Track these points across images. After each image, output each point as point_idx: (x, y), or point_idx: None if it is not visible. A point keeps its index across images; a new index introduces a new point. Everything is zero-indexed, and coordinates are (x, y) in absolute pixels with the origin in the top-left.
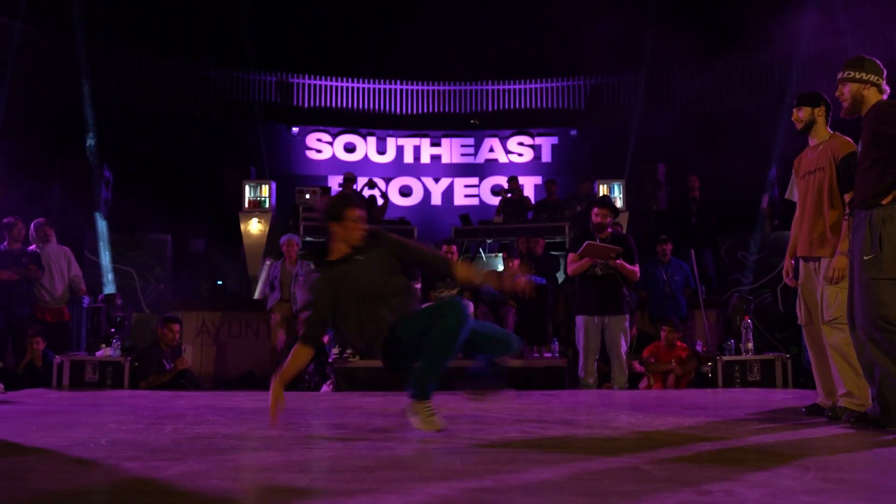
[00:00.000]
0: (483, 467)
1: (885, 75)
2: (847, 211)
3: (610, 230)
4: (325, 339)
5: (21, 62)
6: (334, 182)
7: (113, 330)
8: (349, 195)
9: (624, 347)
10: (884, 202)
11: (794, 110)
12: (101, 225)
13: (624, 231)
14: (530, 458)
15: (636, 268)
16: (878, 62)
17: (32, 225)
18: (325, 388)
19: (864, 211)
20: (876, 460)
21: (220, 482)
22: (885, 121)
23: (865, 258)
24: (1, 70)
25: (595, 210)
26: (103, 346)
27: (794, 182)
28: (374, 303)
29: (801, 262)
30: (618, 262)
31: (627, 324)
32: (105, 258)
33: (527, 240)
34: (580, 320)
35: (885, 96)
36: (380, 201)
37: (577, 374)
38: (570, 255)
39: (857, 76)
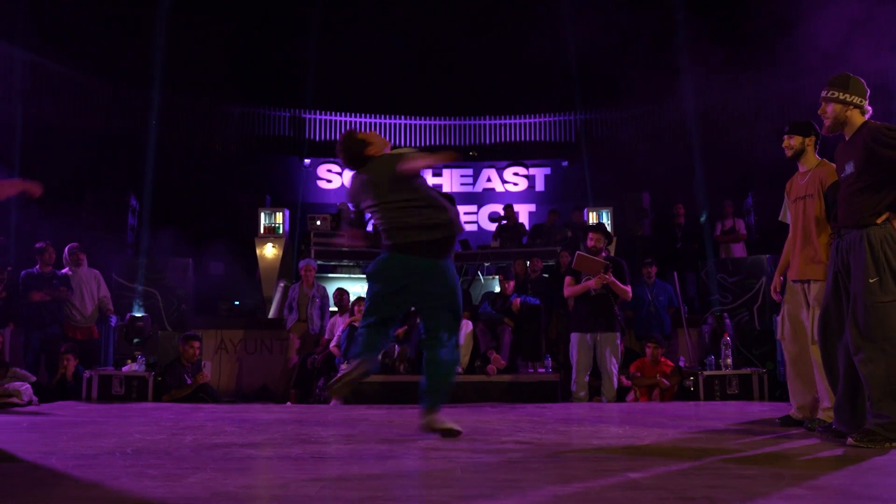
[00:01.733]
0: (481, 476)
1: (868, 95)
2: (831, 232)
3: (605, 254)
4: (336, 352)
5: (54, 100)
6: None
7: (137, 341)
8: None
9: (614, 363)
10: (878, 221)
11: (786, 137)
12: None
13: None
14: (525, 466)
15: (628, 288)
16: (863, 82)
17: (66, 249)
18: (334, 401)
19: (858, 230)
20: (846, 468)
21: (236, 490)
22: (886, 143)
23: (871, 281)
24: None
25: (590, 235)
26: (129, 361)
27: (787, 205)
28: None
29: (790, 282)
30: (609, 279)
31: (619, 341)
32: (132, 280)
33: (524, 262)
34: (574, 337)
35: (867, 116)
36: None
37: (569, 387)
38: (567, 279)
39: (841, 97)
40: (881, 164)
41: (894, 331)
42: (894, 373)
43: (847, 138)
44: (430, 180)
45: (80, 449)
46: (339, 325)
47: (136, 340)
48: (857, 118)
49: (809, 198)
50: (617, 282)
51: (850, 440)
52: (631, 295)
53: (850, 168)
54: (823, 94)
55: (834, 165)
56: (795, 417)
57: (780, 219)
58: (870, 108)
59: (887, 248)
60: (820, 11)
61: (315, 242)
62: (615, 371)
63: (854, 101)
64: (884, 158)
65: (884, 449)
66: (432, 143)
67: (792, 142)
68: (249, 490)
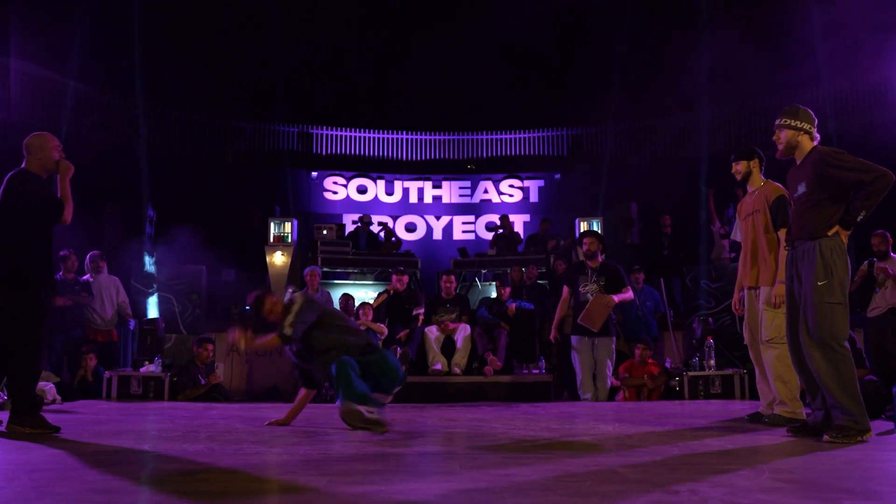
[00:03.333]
0: (477, 470)
1: (816, 124)
2: (784, 244)
3: (601, 259)
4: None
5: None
6: (348, 219)
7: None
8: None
9: (609, 365)
10: (829, 233)
11: (734, 164)
12: (148, 259)
13: None
14: (520, 461)
15: (629, 291)
16: (811, 112)
17: (88, 257)
18: (339, 401)
19: (811, 241)
20: (821, 462)
21: (248, 483)
22: (834, 164)
23: (819, 283)
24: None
25: (585, 240)
26: (146, 363)
27: (738, 224)
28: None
29: (745, 291)
30: (616, 299)
31: (614, 345)
32: (150, 286)
33: (520, 269)
34: (575, 340)
35: (815, 142)
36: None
37: (563, 387)
38: (564, 288)
39: (793, 124)
40: (830, 182)
41: (840, 331)
42: (845, 371)
43: (798, 162)
44: (431, 192)
45: (102, 444)
46: None
47: (154, 340)
48: (807, 143)
49: (757, 213)
50: (622, 297)
51: (826, 437)
52: (632, 294)
53: (802, 188)
54: (777, 122)
55: (776, 184)
56: (764, 413)
57: (731, 237)
58: (818, 134)
59: (836, 257)
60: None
61: (321, 250)
62: (609, 373)
63: (804, 126)
64: (832, 178)
65: (857, 441)
66: (433, 156)
67: (739, 167)
68: (260, 484)
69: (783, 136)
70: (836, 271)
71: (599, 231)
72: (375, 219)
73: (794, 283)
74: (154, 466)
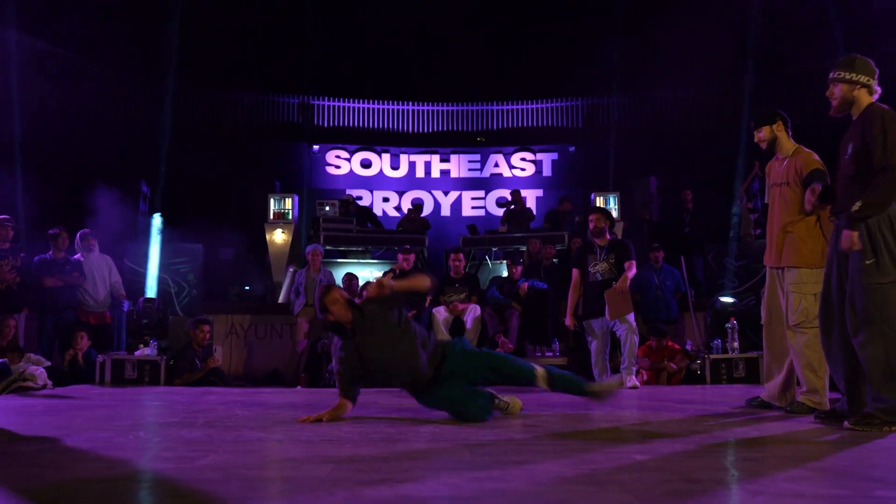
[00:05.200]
0: (489, 458)
1: (877, 75)
2: (829, 215)
3: (609, 236)
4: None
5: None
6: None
7: (146, 321)
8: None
9: (635, 342)
10: None
11: (755, 133)
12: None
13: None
14: (533, 449)
15: (633, 266)
16: (871, 62)
17: (78, 235)
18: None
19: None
20: (848, 450)
21: (248, 471)
22: (882, 127)
23: (867, 262)
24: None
25: (591, 217)
26: (141, 346)
27: (768, 187)
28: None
29: (768, 269)
30: (628, 282)
31: (634, 322)
32: (148, 265)
33: (539, 242)
34: (587, 324)
35: (875, 97)
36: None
37: (579, 371)
38: (574, 271)
39: (847, 77)
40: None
41: (892, 312)
42: (893, 355)
43: (854, 119)
44: (439, 166)
45: (95, 432)
46: None
47: (145, 321)
48: (865, 98)
49: (786, 186)
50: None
51: (846, 424)
52: (635, 270)
53: (849, 150)
54: (830, 75)
55: (810, 153)
56: (764, 399)
57: (765, 200)
58: (878, 88)
59: (885, 229)
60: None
61: (324, 228)
62: (635, 349)
63: (861, 79)
64: (869, 137)
65: (882, 433)
66: (440, 128)
67: (761, 134)
68: (261, 471)
69: (837, 91)
70: (884, 247)
71: (616, 207)
72: (381, 195)
73: (835, 259)
74: (152, 454)
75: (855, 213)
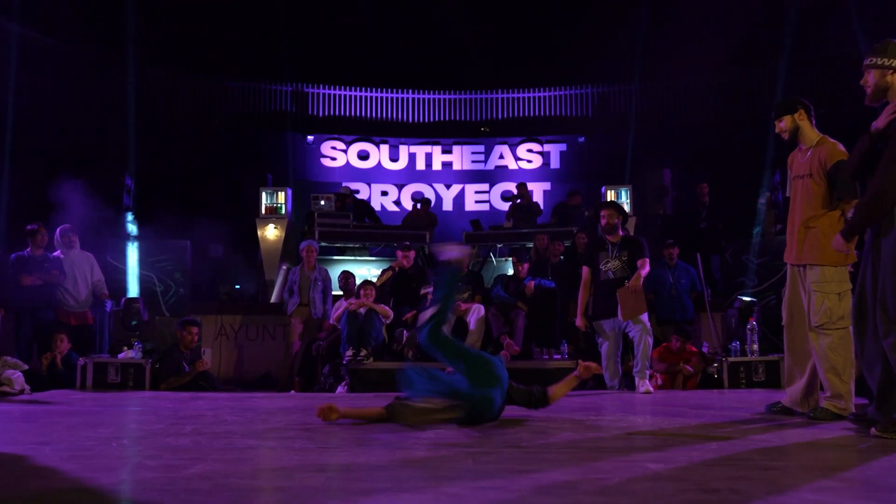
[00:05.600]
0: (494, 467)
1: None
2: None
3: (621, 232)
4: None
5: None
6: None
7: (135, 323)
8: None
9: (649, 343)
10: None
11: (776, 123)
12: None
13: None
14: (541, 457)
15: (646, 263)
16: None
17: (58, 230)
18: (339, 389)
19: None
20: (875, 459)
21: (239, 481)
22: None
23: None
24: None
25: (602, 212)
26: (125, 348)
27: (789, 179)
28: None
29: (788, 266)
30: (641, 281)
31: (648, 323)
32: (128, 263)
33: (546, 239)
34: (597, 324)
35: None
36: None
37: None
38: (584, 269)
39: (880, 62)
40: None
41: None
42: None
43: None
44: (440, 158)
45: (75, 440)
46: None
47: (133, 322)
48: None
49: (808, 178)
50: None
51: (873, 430)
52: (648, 267)
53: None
54: (864, 62)
55: (836, 144)
56: (785, 405)
57: (786, 193)
58: None
59: None
60: None
61: (319, 223)
62: (649, 352)
63: (893, 64)
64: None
65: None
66: (442, 118)
67: (782, 125)
68: (252, 481)
69: (870, 79)
70: None
71: (628, 201)
72: (379, 188)
73: (870, 255)
74: (135, 463)
75: (845, 233)
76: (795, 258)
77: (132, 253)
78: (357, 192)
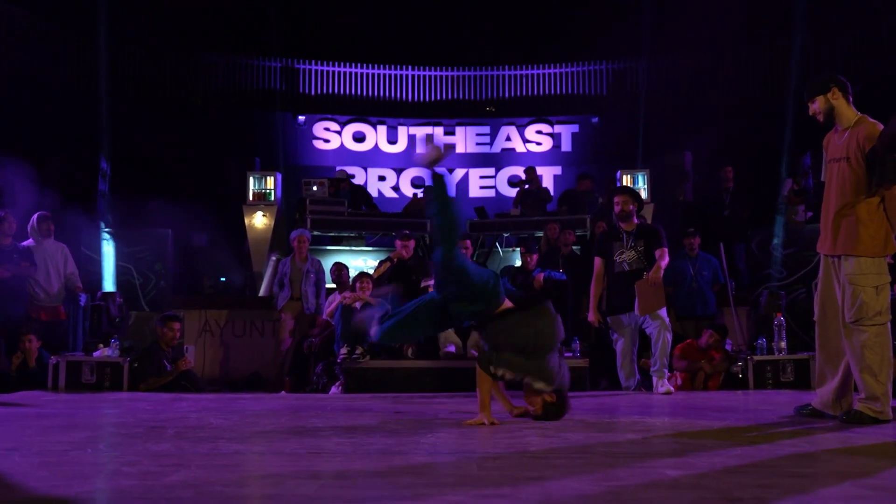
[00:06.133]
0: (500, 473)
1: None
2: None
3: (637, 221)
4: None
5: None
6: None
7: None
8: None
9: (668, 340)
10: None
11: (808, 104)
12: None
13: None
14: (550, 463)
15: (665, 254)
16: None
17: (35, 217)
18: (333, 389)
19: None
20: None
21: (224, 489)
22: None
23: None
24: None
25: (616, 198)
26: (101, 346)
27: (825, 163)
28: None
29: (822, 257)
30: (661, 273)
31: (667, 318)
32: (103, 254)
33: (557, 228)
34: (612, 319)
35: None
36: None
37: (601, 375)
38: (597, 260)
39: None
40: None
41: None
42: None
43: None
44: (443, 139)
45: (47, 444)
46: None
47: (118, 318)
48: None
49: (845, 161)
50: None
51: None
52: (668, 258)
53: None
54: None
55: (874, 123)
56: (815, 407)
57: (822, 178)
58: None
59: None
60: None
61: (311, 211)
62: (668, 349)
63: None
64: None
65: None
66: (444, 97)
67: (815, 106)
68: (239, 489)
69: None
70: None
71: (645, 187)
72: (376, 172)
73: None
74: (112, 470)
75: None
76: (830, 248)
77: (108, 245)
78: (353, 176)
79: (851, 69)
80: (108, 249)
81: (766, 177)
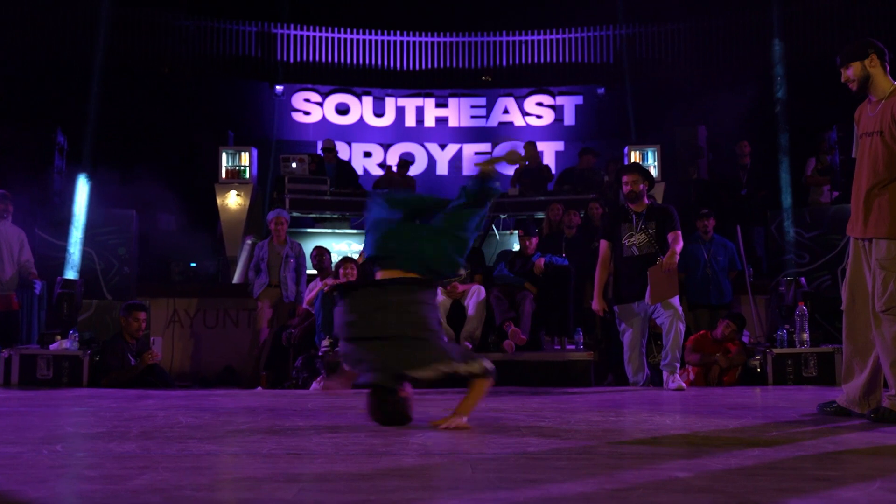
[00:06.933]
0: (496, 476)
1: None
2: None
3: (647, 201)
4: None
5: None
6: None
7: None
8: None
9: (681, 330)
10: None
11: (842, 70)
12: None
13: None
14: (551, 465)
15: (679, 238)
16: None
17: None
18: (314, 385)
19: None
20: None
21: (195, 493)
22: None
23: None
24: None
25: (624, 178)
26: (59, 338)
27: (856, 137)
28: None
29: (851, 240)
30: (676, 258)
31: (680, 307)
32: (62, 237)
33: (560, 208)
34: (620, 308)
35: None
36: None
37: (607, 369)
38: (603, 243)
39: None
40: None
41: None
42: None
43: None
44: (434, 112)
45: (0, 445)
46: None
47: (77, 306)
48: None
49: (878, 135)
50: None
51: None
52: (682, 242)
53: None
54: None
55: None
56: (841, 404)
57: (853, 154)
58: None
59: None
60: None
61: (290, 189)
62: (681, 341)
63: None
64: None
65: None
66: (436, 65)
67: (850, 73)
68: (211, 493)
69: None
70: None
71: (656, 164)
72: (361, 148)
73: None
74: (72, 473)
75: None
76: (860, 231)
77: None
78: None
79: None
80: (76, 227)
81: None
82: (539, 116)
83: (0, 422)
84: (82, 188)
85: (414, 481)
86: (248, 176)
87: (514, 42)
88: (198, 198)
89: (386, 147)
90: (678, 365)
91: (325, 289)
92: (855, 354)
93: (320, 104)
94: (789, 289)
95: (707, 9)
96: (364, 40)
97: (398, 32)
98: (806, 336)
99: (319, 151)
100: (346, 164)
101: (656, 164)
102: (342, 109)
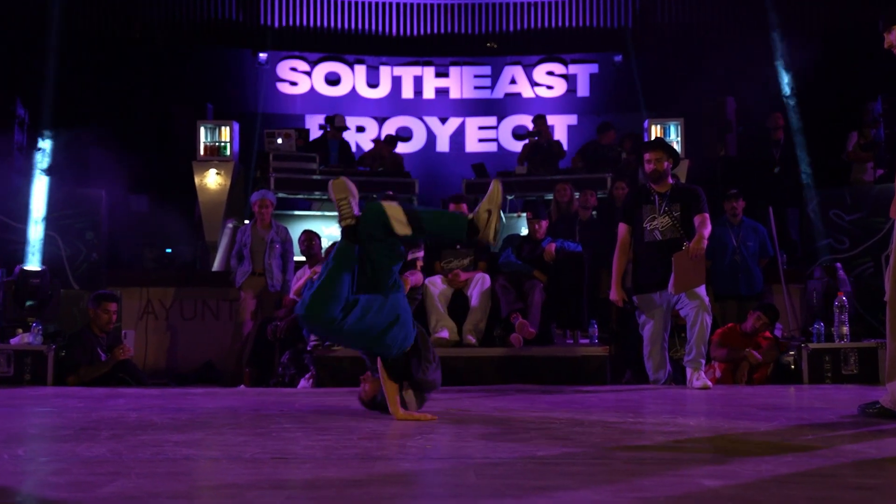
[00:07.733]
0: (502, 483)
1: None
2: None
3: (671, 181)
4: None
5: None
6: (313, 123)
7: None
8: None
9: (707, 322)
10: None
11: (884, 34)
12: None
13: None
14: (562, 471)
15: (707, 222)
16: None
17: None
18: (302, 382)
19: None
20: None
21: (171, 501)
22: None
23: None
24: None
25: (647, 155)
26: (20, 331)
27: None
28: None
29: (895, 224)
30: (704, 243)
31: (706, 297)
32: (23, 220)
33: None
34: (641, 298)
35: None
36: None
37: (625, 365)
38: (622, 226)
39: None
40: None
41: None
42: None
43: None
44: (434, 82)
45: None
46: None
47: (29, 303)
48: None
49: None
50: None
51: None
52: (710, 226)
53: None
54: None
55: None
56: (885, 406)
57: None
58: None
59: None
60: None
61: (275, 168)
62: (707, 334)
63: None
64: None
65: None
66: (435, 30)
67: (893, 36)
68: (189, 501)
69: None
70: None
71: (679, 140)
72: (354, 122)
73: None
74: (36, 479)
75: None
76: None
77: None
78: (347, 128)
79: None
80: (39, 197)
81: (827, 128)
82: (550, 87)
83: None
84: (43, 166)
85: (411, 488)
86: (228, 153)
87: (522, 4)
88: (173, 177)
89: (381, 121)
90: (703, 361)
91: (314, 277)
92: None
93: (308, 74)
94: (827, 277)
95: None
96: (357, 3)
97: None
98: (846, 330)
99: (316, 126)
100: (346, 144)
101: (679, 139)
102: (332, 79)
